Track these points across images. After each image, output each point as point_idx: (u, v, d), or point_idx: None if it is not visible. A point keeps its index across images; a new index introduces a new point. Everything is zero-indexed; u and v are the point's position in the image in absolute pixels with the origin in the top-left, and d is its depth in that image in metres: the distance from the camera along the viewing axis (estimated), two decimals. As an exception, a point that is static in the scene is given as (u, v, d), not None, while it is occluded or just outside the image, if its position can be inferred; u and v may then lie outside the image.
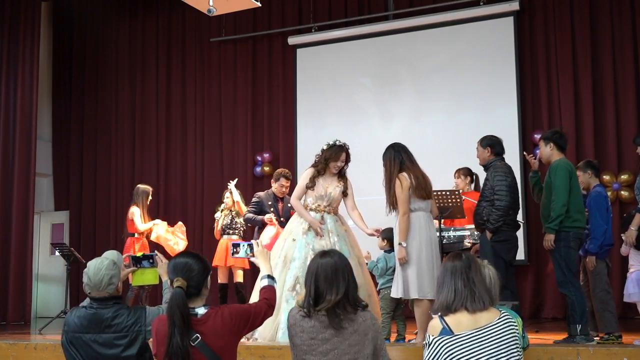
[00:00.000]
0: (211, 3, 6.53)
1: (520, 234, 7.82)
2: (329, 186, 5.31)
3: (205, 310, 2.84)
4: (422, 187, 4.89)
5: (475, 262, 2.99)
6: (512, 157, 8.15)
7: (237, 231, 7.41)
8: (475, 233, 5.93)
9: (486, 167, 5.39)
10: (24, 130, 9.54)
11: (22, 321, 9.17)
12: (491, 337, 2.82)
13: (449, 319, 2.86)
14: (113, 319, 3.10)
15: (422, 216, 4.92)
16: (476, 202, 5.64)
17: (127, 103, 10.64)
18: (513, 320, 2.90)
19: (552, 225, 4.88)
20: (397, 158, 4.97)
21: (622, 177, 7.82)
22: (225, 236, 7.37)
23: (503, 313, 2.90)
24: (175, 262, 2.90)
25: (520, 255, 7.97)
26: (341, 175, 5.40)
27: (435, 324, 2.88)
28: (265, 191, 7.01)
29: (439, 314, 2.92)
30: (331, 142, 5.37)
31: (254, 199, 6.93)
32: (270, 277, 3.21)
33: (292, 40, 9.55)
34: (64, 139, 10.99)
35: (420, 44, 8.95)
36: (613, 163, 7.97)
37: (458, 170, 6.76)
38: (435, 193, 5.98)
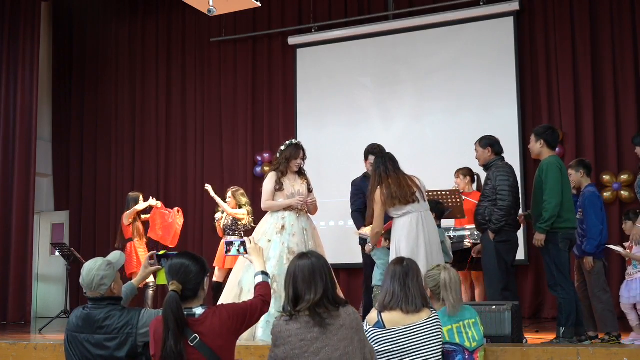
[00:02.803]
0: (211, 3, 6.52)
1: (520, 234, 7.83)
2: (295, 184, 5.46)
3: (203, 310, 2.85)
4: (395, 196, 4.82)
5: (413, 269, 3.42)
6: (512, 157, 8.14)
7: (236, 232, 7.41)
8: (476, 233, 5.93)
9: (487, 167, 5.38)
10: (24, 130, 9.54)
11: (22, 321, 9.17)
12: (416, 334, 3.27)
13: (385, 315, 3.34)
14: (104, 320, 3.09)
15: (413, 218, 4.85)
16: (477, 202, 5.63)
17: (127, 103, 10.64)
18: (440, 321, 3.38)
19: (543, 225, 4.87)
20: (377, 170, 4.98)
21: (622, 177, 7.82)
22: (227, 237, 7.36)
23: (432, 314, 3.35)
24: (172, 264, 2.91)
25: (520, 255, 7.96)
26: (301, 173, 5.56)
27: (373, 317, 3.37)
28: (362, 175, 5.99)
29: (379, 309, 3.39)
30: (288, 143, 5.55)
31: (352, 189, 5.96)
32: (264, 273, 3.24)
33: (292, 40, 9.55)
34: (64, 139, 11.00)
35: (420, 44, 8.95)
36: (613, 163, 7.97)
37: (458, 171, 6.76)
38: (435, 193, 5.99)
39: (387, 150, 5.46)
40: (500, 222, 5.07)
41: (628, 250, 5.25)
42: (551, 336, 5.07)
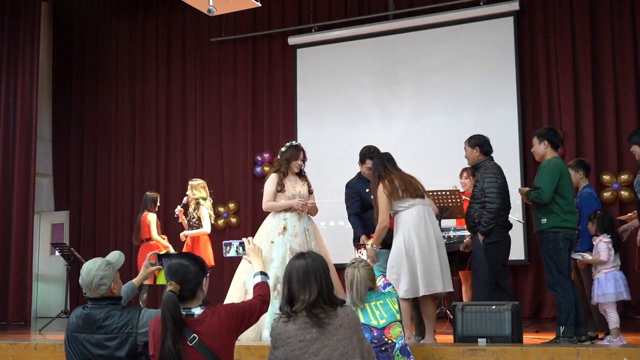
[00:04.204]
0: (211, 3, 6.53)
1: (520, 233, 7.87)
2: (296, 185, 5.48)
3: (202, 310, 2.85)
4: (403, 189, 4.89)
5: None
6: (513, 157, 8.18)
7: (199, 227, 7.36)
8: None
9: (475, 168, 5.33)
10: (24, 130, 9.54)
11: (22, 321, 9.17)
12: None
13: None
14: (104, 319, 3.09)
15: (420, 210, 4.89)
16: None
17: (127, 103, 10.64)
18: None
19: (530, 194, 4.90)
20: (377, 170, 5.04)
21: (622, 177, 7.82)
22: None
23: None
24: (171, 264, 2.91)
25: (520, 255, 7.98)
26: (301, 174, 5.57)
27: None
28: (356, 175, 5.80)
29: None
30: (288, 144, 5.58)
31: (347, 191, 5.75)
32: (262, 273, 3.24)
33: (292, 40, 9.55)
34: (64, 139, 11.00)
35: (420, 44, 8.95)
36: (613, 163, 7.97)
37: (465, 170, 6.65)
38: (435, 193, 5.99)
39: (385, 150, 5.47)
40: (489, 225, 5.03)
41: (588, 257, 5.22)
42: (551, 336, 5.06)
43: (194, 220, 7.37)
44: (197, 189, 7.40)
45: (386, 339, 3.63)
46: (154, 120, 10.45)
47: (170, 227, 9.69)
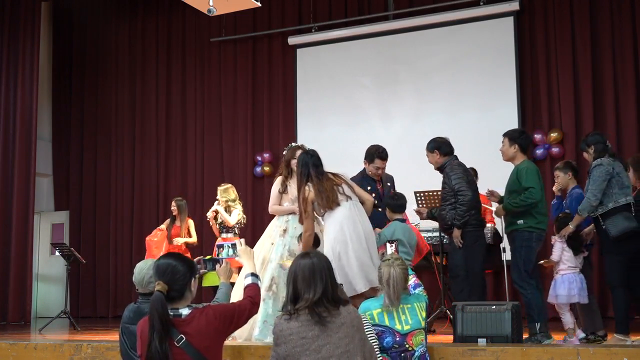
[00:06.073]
0: (211, 3, 6.53)
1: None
2: None
3: (190, 311, 2.86)
4: (327, 199, 4.65)
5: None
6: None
7: (230, 230, 7.35)
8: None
9: (441, 169, 5.33)
10: (24, 130, 9.55)
11: (22, 321, 9.18)
12: None
13: None
14: None
15: (345, 207, 4.68)
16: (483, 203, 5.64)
17: (127, 103, 10.65)
18: None
19: (512, 202, 4.90)
20: (304, 172, 4.77)
21: (622, 177, 7.82)
22: (223, 234, 7.41)
23: None
24: (159, 264, 2.94)
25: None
26: None
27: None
28: (359, 174, 5.79)
29: None
30: (288, 146, 5.59)
31: None
32: (253, 275, 3.28)
33: (292, 40, 9.56)
34: (64, 139, 11.00)
35: (420, 44, 8.95)
36: (613, 163, 7.96)
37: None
38: (434, 193, 5.99)
39: (385, 150, 5.51)
40: (464, 217, 5.01)
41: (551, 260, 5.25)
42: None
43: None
44: (227, 192, 7.46)
45: (407, 346, 3.60)
46: (154, 120, 10.45)
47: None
